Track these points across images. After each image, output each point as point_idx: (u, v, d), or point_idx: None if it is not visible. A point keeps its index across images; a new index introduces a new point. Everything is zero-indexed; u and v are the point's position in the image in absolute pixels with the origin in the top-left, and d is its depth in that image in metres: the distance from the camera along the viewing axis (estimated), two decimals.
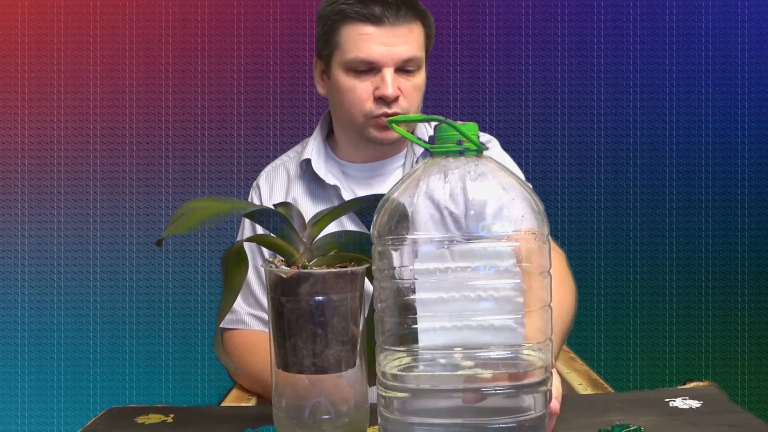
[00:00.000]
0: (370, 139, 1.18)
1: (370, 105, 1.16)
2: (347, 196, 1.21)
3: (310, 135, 1.32)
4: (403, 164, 1.24)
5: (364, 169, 1.25)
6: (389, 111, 1.15)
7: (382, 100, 1.14)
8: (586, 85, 2.09)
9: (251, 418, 0.83)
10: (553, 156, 2.08)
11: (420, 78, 1.18)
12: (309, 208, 1.21)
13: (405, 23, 1.14)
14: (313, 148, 1.25)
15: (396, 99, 1.15)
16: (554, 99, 2.09)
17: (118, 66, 2.07)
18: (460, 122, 0.69)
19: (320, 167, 1.23)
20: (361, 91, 1.16)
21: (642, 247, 2.10)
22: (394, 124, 0.75)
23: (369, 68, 1.15)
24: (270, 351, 0.73)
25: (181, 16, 2.07)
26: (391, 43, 1.14)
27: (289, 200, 1.23)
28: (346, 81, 1.16)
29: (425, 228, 0.66)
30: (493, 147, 1.28)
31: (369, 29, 1.13)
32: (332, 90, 1.20)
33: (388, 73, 1.14)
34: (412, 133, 1.26)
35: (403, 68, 1.15)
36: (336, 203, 1.22)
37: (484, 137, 1.28)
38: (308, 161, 1.24)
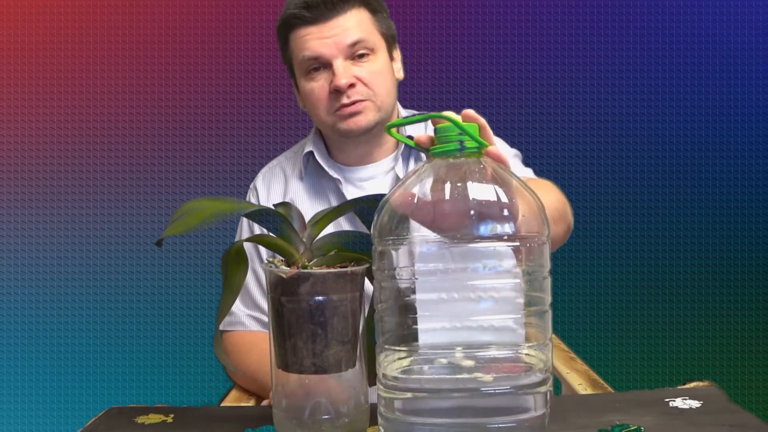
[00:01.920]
0: (343, 133, 1.19)
1: (328, 100, 1.17)
2: (345, 191, 1.22)
3: (307, 136, 1.33)
4: (393, 167, 1.25)
5: (357, 171, 1.25)
6: (347, 101, 1.16)
7: (338, 91, 1.15)
8: (586, 85, 2.09)
9: (251, 418, 0.83)
10: (552, 156, 2.08)
11: (380, 62, 1.18)
12: (307, 207, 1.22)
13: (342, 13, 1.15)
14: (313, 143, 1.25)
15: (352, 86, 1.15)
16: (554, 99, 2.09)
17: (118, 66, 2.07)
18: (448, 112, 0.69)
19: (322, 160, 1.24)
20: (318, 90, 1.17)
21: (642, 247, 2.10)
22: (392, 130, 0.75)
23: (320, 65, 1.16)
24: (270, 351, 0.73)
25: (181, 16, 2.07)
26: (332, 34, 1.15)
27: (287, 200, 1.24)
28: (306, 85, 1.19)
29: (425, 228, 0.66)
30: None
31: (309, 29, 1.16)
32: (303, 99, 1.23)
33: (338, 63, 1.15)
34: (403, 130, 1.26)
35: (354, 54, 1.16)
36: (333, 199, 1.23)
37: None
38: (311, 153, 1.25)
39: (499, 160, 0.70)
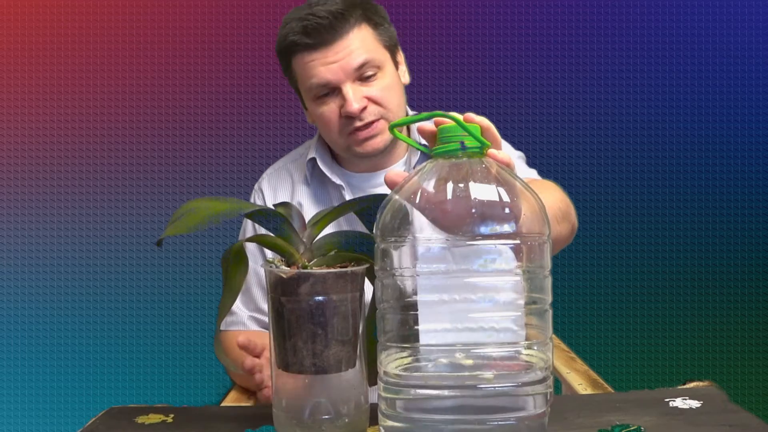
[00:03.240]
0: (358, 155, 1.18)
1: (340, 125, 1.15)
2: (350, 197, 1.21)
3: (311, 136, 1.32)
4: (405, 171, 1.24)
5: (364, 179, 1.24)
6: (360, 123, 1.14)
7: (350, 117, 1.14)
8: (586, 85, 2.09)
9: (251, 418, 0.83)
10: (552, 156, 2.08)
11: (387, 78, 1.16)
12: (313, 212, 1.21)
13: (344, 34, 1.12)
14: (316, 149, 1.25)
15: (364, 109, 1.13)
16: (554, 99, 2.09)
17: (118, 66, 2.07)
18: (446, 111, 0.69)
19: (325, 167, 1.23)
20: (329, 114, 1.16)
21: (642, 247, 2.10)
22: (395, 130, 0.75)
23: (329, 90, 1.14)
24: (270, 351, 0.73)
25: (181, 16, 2.07)
26: (337, 59, 1.12)
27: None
28: (316, 109, 1.17)
29: (427, 228, 0.66)
30: None
31: (312, 55, 1.13)
32: (312, 118, 1.21)
33: (348, 88, 1.13)
34: (408, 133, 1.26)
35: (362, 76, 1.14)
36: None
37: None
38: (314, 160, 1.24)
39: (502, 163, 0.70)
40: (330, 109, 1.15)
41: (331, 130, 1.17)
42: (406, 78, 1.23)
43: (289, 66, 1.18)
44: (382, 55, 1.17)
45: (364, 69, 1.14)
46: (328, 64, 1.13)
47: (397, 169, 1.24)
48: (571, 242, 1.18)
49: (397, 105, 1.17)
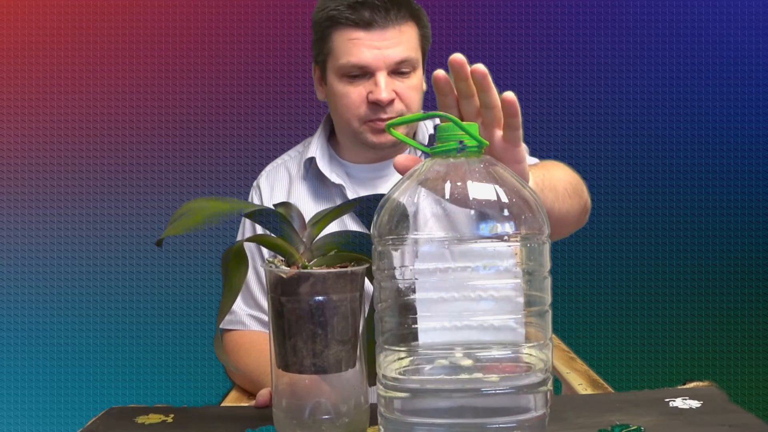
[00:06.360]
0: (367, 144, 1.18)
1: (364, 109, 1.15)
2: (351, 195, 1.21)
3: (311, 135, 1.32)
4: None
5: (367, 170, 1.24)
6: (384, 116, 1.14)
7: (376, 104, 1.13)
8: (586, 85, 2.09)
9: (251, 418, 0.83)
10: (552, 156, 2.07)
11: (416, 78, 1.17)
12: (311, 209, 1.21)
13: (396, 25, 1.13)
14: (316, 147, 1.24)
15: (391, 102, 1.14)
16: (554, 99, 2.09)
17: (118, 66, 2.07)
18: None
19: (324, 166, 1.23)
20: (355, 96, 1.15)
21: (642, 247, 2.10)
22: (392, 129, 0.75)
23: (362, 73, 1.14)
24: (270, 351, 0.73)
25: (181, 16, 2.07)
26: (382, 46, 1.12)
27: (290, 201, 1.23)
28: (341, 87, 1.16)
29: (426, 228, 0.66)
30: None
31: (359, 34, 1.12)
32: (329, 95, 1.20)
33: (381, 76, 1.12)
34: (414, 131, 1.26)
35: (397, 70, 1.14)
36: (338, 202, 1.22)
37: None
38: (312, 159, 1.24)
39: (509, 104, 0.75)
40: (357, 91, 1.14)
41: (349, 111, 1.16)
42: (424, 85, 1.24)
43: (326, 37, 1.16)
44: (419, 57, 1.18)
45: (402, 65, 1.14)
46: (373, 48, 1.12)
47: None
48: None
49: (417, 107, 1.18)
